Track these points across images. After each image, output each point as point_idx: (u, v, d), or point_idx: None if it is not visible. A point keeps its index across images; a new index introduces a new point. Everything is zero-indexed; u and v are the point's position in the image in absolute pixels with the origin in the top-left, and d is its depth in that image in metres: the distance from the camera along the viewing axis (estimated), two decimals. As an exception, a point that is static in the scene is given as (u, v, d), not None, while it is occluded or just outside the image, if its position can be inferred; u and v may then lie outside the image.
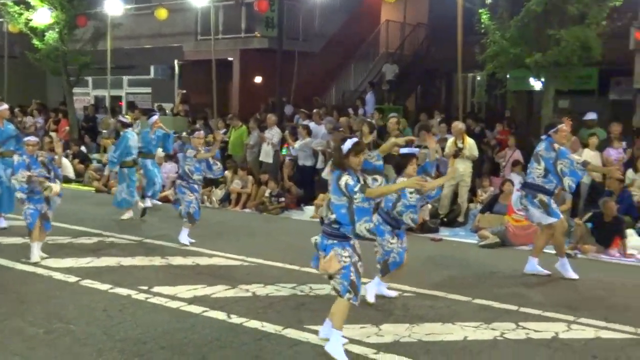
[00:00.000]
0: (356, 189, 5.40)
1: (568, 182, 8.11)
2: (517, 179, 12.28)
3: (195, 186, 9.99)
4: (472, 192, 12.90)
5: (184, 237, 9.92)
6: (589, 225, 10.30)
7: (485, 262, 9.35)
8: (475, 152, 12.43)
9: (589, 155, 11.58)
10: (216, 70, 17.20)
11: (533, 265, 8.60)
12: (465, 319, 6.62)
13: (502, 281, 8.32)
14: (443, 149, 12.38)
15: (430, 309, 6.95)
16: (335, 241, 5.54)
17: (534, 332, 6.32)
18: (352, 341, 5.93)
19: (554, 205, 8.34)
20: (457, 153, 12.17)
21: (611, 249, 9.89)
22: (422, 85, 22.85)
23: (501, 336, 6.19)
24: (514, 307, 7.09)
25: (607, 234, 9.97)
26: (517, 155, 13.19)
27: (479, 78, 18.70)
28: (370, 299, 7.11)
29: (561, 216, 8.52)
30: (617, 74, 16.88)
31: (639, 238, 10.23)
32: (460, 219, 12.25)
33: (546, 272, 8.51)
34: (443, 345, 5.91)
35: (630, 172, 11.75)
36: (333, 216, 5.54)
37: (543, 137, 8.43)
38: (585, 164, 8.28)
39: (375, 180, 5.98)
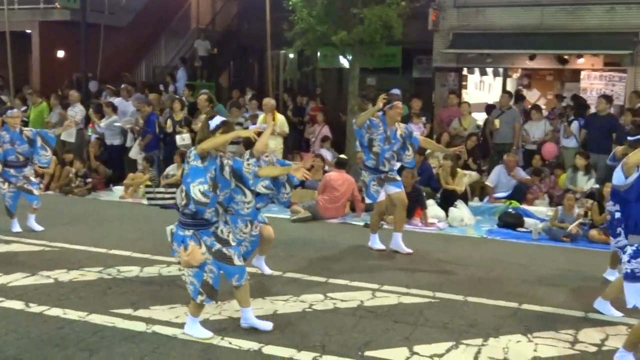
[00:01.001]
0: (192, 147, 5.27)
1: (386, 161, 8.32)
2: (327, 154, 12.64)
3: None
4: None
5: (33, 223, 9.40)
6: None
7: (297, 236, 9.52)
8: (286, 128, 12.57)
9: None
10: (13, 42, 15.97)
11: (397, 241, 8.61)
12: (275, 293, 6.70)
13: (313, 254, 8.50)
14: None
15: (242, 286, 6.94)
16: (190, 232, 5.27)
17: (340, 301, 6.52)
18: (161, 322, 5.80)
19: (372, 188, 8.43)
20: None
21: (413, 219, 10.45)
22: (235, 61, 22.74)
23: (310, 307, 6.33)
24: (322, 279, 7.27)
25: (408, 204, 10.49)
26: (326, 131, 13.54)
27: (292, 56, 18.95)
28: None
29: (377, 199, 8.52)
30: (419, 52, 17.81)
31: (439, 208, 10.90)
32: (273, 195, 12.36)
33: (408, 250, 8.54)
34: (253, 320, 5.93)
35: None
36: (184, 201, 5.23)
37: (379, 114, 8.45)
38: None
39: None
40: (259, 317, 5.80)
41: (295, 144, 14.46)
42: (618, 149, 6.99)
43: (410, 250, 8.52)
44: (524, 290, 7.11)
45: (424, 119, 12.96)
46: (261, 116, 12.53)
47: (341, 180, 11.03)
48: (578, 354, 5.39)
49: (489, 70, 17.56)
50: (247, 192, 6.13)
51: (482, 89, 18.52)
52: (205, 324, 5.76)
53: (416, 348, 5.38)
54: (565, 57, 14.85)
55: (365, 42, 12.55)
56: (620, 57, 14.07)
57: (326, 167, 11.93)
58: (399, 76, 18.44)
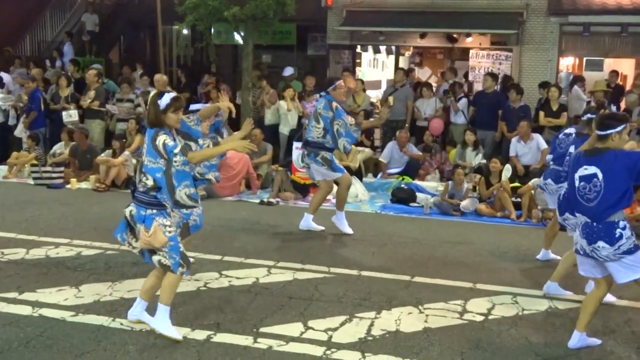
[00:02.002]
0: (176, 150, 4.86)
1: (343, 142, 8.07)
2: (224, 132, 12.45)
3: None
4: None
5: None
6: (289, 173, 10.85)
7: (191, 215, 9.36)
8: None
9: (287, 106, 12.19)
10: None
11: (308, 222, 8.54)
12: (169, 273, 6.57)
13: (208, 233, 8.35)
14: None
15: (134, 266, 6.75)
16: (154, 210, 4.93)
17: (235, 279, 6.48)
18: (48, 305, 5.59)
19: (336, 161, 8.38)
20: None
21: (309, 196, 10.50)
22: (126, 36, 22.00)
23: (204, 286, 6.25)
24: (217, 257, 7.21)
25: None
26: (220, 108, 13.34)
27: (185, 31, 18.53)
28: None
29: (345, 171, 8.50)
30: (313, 30, 17.81)
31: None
32: (167, 173, 12.10)
33: (320, 227, 8.53)
34: (145, 301, 5.80)
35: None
36: (149, 182, 4.92)
37: (322, 94, 8.31)
38: (357, 124, 8.32)
39: (189, 146, 5.28)
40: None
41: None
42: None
43: (322, 228, 8.54)
44: (416, 263, 7.30)
45: (317, 95, 12.99)
46: (152, 92, 12.17)
47: (237, 158, 10.91)
48: (466, 323, 5.58)
49: (382, 48, 17.82)
50: (193, 145, 5.52)
51: (375, 66, 18.78)
52: (97, 305, 5.61)
53: (311, 323, 5.42)
54: (455, 36, 15.25)
55: (258, 18, 12.44)
56: (506, 37, 14.60)
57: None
58: (293, 53, 18.42)
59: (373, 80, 17.60)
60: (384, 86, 16.88)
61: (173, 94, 5.02)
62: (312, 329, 5.32)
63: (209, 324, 5.32)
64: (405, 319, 5.59)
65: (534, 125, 11.63)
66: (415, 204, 10.49)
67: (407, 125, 12.86)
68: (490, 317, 5.74)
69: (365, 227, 8.95)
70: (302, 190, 10.79)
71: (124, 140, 11.91)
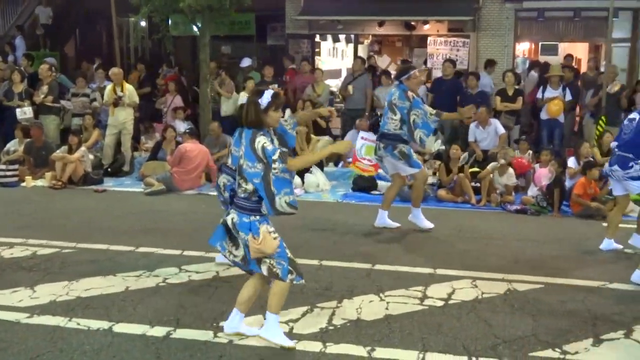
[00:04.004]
0: (275, 156, 4.49)
1: (420, 134, 7.73)
2: (180, 126, 12.35)
3: None
4: (136, 140, 12.67)
5: None
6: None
7: (152, 209, 9.28)
8: (136, 99, 12.15)
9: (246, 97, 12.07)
10: None
11: (384, 219, 8.29)
12: (127, 269, 6.48)
13: (168, 227, 8.31)
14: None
15: (92, 263, 6.66)
16: (257, 217, 4.62)
17: (195, 273, 6.42)
18: (2, 307, 5.47)
19: (414, 156, 8.07)
20: (117, 101, 11.76)
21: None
22: (81, 29, 21.59)
23: (164, 282, 6.17)
24: (177, 252, 7.12)
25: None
26: (178, 101, 13.22)
27: (143, 23, 18.26)
28: None
29: (422, 165, 8.26)
30: (272, 20, 17.69)
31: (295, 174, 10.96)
32: (126, 168, 11.96)
33: (396, 224, 8.28)
34: (102, 299, 5.69)
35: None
36: (249, 186, 4.58)
37: (396, 83, 8.00)
38: (438, 114, 7.92)
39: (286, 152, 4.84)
40: (108, 295, 5.61)
41: (149, 115, 13.99)
42: None
43: (398, 225, 8.26)
44: (377, 251, 7.31)
45: (276, 85, 12.93)
46: (109, 86, 12.01)
47: (196, 150, 10.82)
48: (427, 309, 5.61)
49: (342, 37, 17.79)
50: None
51: (335, 55, 18.76)
52: (52, 305, 5.50)
53: (272, 315, 5.39)
54: (413, 23, 15.29)
55: (214, 9, 12.28)
56: (463, 23, 14.69)
57: (179, 138, 11.63)
58: (253, 44, 18.28)
59: (333, 70, 17.57)
60: (344, 75, 16.86)
61: (272, 91, 4.72)
62: (273, 321, 5.29)
63: (169, 320, 5.25)
64: (367, 308, 5.60)
65: (491, 111, 11.75)
66: (377, 192, 10.51)
67: (366, 113, 12.86)
68: (451, 301, 5.77)
69: (327, 217, 8.94)
70: (367, 183, 10.70)
71: (81, 135, 11.72)
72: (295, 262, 4.75)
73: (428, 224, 8.24)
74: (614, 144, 7.29)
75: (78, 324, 5.17)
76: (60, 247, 7.19)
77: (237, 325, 4.97)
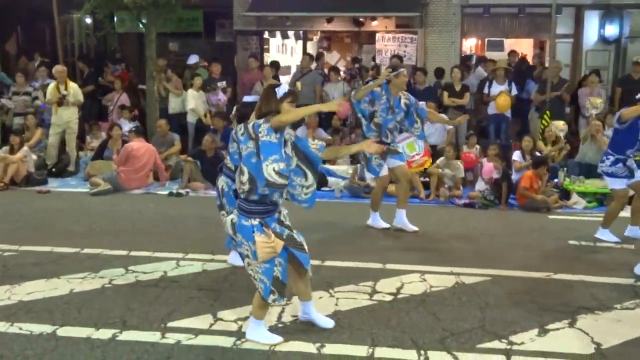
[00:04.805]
0: (260, 121, 4.54)
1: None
2: (125, 124, 12.14)
3: None
4: (82, 140, 12.41)
5: None
6: (198, 162, 10.65)
7: (98, 210, 9.10)
8: (81, 97, 11.87)
9: (194, 95, 11.99)
10: None
11: (402, 218, 8.11)
12: (71, 272, 6.32)
13: (114, 227, 8.15)
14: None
15: (34, 266, 6.49)
16: (257, 221, 4.59)
17: (142, 274, 6.30)
18: (-60, 315, 5.27)
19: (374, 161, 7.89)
20: (62, 100, 11.48)
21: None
22: (23, 26, 21.04)
23: (110, 283, 6.05)
24: (124, 252, 6.99)
25: (210, 169, 10.40)
26: (124, 99, 12.99)
27: (89, 20, 17.88)
28: None
29: (379, 173, 8.01)
30: (220, 16, 17.51)
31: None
32: (71, 168, 11.69)
33: (414, 227, 8.05)
34: (46, 302, 5.55)
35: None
36: (245, 177, 4.54)
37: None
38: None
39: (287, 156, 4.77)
40: (52, 299, 5.47)
41: (93, 114, 13.71)
42: (623, 111, 7.34)
43: (416, 228, 8.04)
44: (328, 246, 7.29)
45: (224, 83, 12.83)
46: (52, 85, 11.72)
47: (143, 149, 10.66)
48: (376, 303, 5.63)
49: (291, 33, 17.72)
50: (309, 174, 4.89)
51: (284, 52, 18.67)
52: (-8, 310, 5.34)
53: (220, 314, 5.33)
54: (361, 19, 15.32)
55: (160, 5, 12.08)
56: (410, 20, 14.77)
57: (125, 137, 11.43)
58: (201, 41, 18.07)
59: (283, 66, 17.48)
60: (293, 72, 16.81)
61: (289, 88, 4.84)
62: (222, 320, 5.24)
63: (114, 322, 5.15)
64: (316, 304, 5.53)
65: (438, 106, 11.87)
66: (327, 188, 10.51)
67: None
68: (400, 296, 5.80)
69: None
70: (209, 177, 10.53)
71: (23, 135, 11.42)
72: (280, 281, 4.69)
73: (384, 224, 8.22)
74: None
75: (20, 328, 5.02)
76: (2, 250, 6.98)
77: (310, 312, 5.12)
